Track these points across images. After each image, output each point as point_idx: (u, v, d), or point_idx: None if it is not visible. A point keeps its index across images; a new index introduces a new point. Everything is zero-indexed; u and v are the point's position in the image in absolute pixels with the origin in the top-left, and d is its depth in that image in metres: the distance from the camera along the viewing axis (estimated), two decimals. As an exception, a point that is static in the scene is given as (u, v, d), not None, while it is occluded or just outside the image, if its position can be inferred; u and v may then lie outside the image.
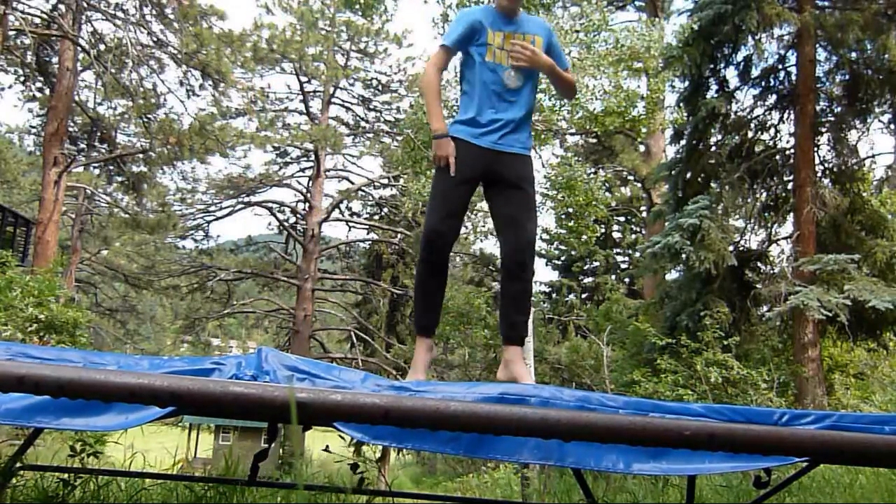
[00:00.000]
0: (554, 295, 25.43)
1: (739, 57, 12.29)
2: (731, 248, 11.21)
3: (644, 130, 11.09)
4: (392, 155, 18.43)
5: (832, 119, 12.14)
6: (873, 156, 12.77)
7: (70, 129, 19.39)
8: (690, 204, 10.91)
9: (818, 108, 11.97)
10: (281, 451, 17.67)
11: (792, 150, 11.99)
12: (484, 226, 17.78)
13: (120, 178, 22.15)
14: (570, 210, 11.16)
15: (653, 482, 4.48)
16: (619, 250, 25.71)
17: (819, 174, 11.86)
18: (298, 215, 23.32)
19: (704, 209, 10.57)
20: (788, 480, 2.34)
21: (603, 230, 22.75)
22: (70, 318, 9.01)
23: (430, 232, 2.92)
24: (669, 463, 1.44)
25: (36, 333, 8.44)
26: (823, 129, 12.05)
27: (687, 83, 12.23)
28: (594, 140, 19.46)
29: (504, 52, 2.99)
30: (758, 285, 11.46)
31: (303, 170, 23.66)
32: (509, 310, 2.95)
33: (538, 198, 11.17)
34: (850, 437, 1.15)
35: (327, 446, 3.00)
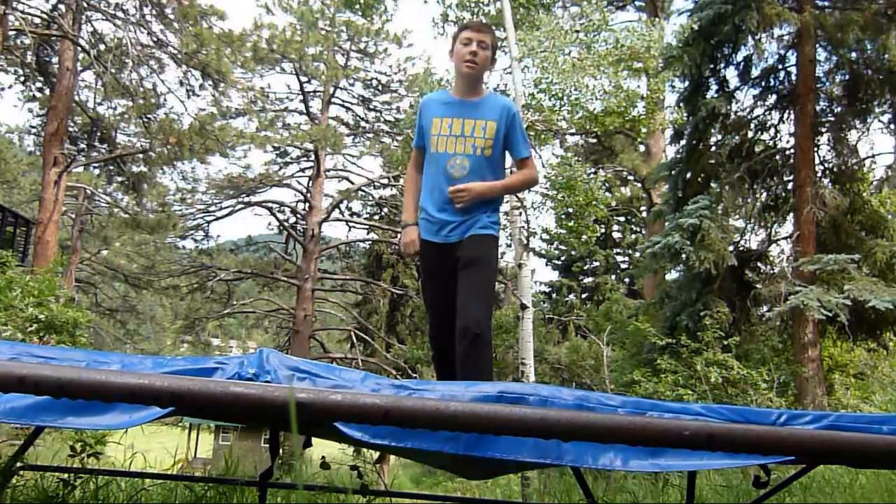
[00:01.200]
0: (554, 295, 25.44)
1: (739, 57, 12.30)
2: (731, 248, 11.21)
3: (644, 130, 11.09)
4: (392, 155, 18.42)
5: (832, 119, 12.15)
6: (873, 156, 12.77)
7: (70, 129, 19.39)
8: (690, 204, 10.91)
9: (818, 108, 11.97)
10: (281, 451, 17.67)
11: (792, 150, 11.99)
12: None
13: (120, 178, 22.15)
14: (570, 210, 11.15)
15: (653, 482, 4.48)
16: (619, 250, 25.71)
17: (819, 174, 11.87)
18: (298, 215, 23.32)
19: (704, 209, 10.57)
20: (788, 480, 2.34)
21: (603, 230, 22.75)
22: (70, 318, 9.01)
23: (431, 341, 3.06)
24: (667, 460, 1.44)
25: (36, 333, 8.44)
26: (823, 129, 12.05)
27: (687, 83, 12.23)
28: (594, 140, 19.46)
29: (446, 139, 2.90)
30: (758, 285, 11.46)
31: (303, 170, 23.67)
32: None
33: (537, 198, 11.22)
34: (849, 437, 1.16)
35: (323, 458, 3.00)
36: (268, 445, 2.50)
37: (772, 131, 12.78)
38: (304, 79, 21.75)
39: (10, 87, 18.79)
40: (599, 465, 1.40)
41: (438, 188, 2.92)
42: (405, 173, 3.59)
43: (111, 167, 21.85)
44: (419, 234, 3.01)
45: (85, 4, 15.64)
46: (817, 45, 11.87)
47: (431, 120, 2.97)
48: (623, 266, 25.66)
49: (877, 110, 12.03)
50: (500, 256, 3.01)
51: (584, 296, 25.01)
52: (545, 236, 21.60)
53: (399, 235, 3.03)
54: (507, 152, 3.02)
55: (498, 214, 3.01)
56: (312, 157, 22.46)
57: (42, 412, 1.39)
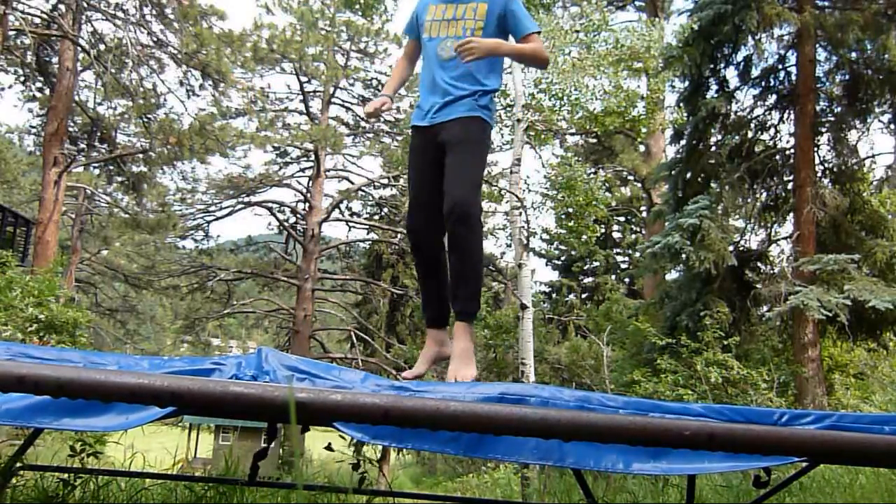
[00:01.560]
0: (554, 295, 25.44)
1: (739, 57, 12.30)
2: (731, 248, 11.21)
3: (644, 130, 11.10)
4: (392, 155, 18.43)
5: (832, 119, 12.15)
6: (873, 156, 12.77)
7: (70, 129, 19.39)
8: (690, 204, 10.91)
9: (818, 108, 11.97)
10: (281, 451, 17.67)
11: (792, 150, 11.99)
12: (484, 226, 17.78)
13: (120, 178, 22.15)
14: (570, 210, 11.16)
15: (653, 482, 4.48)
16: (619, 250, 25.71)
17: (819, 174, 11.87)
18: (298, 215, 23.31)
19: (704, 209, 10.57)
20: (788, 480, 2.34)
21: (603, 230, 22.76)
22: (70, 318, 9.01)
23: (408, 234, 2.92)
24: (669, 462, 1.44)
25: (36, 333, 8.44)
26: (823, 129, 12.05)
27: (687, 83, 12.23)
28: (594, 140, 19.46)
29: (439, 23, 2.86)
30: (758, 285, 11.46)
31: (303, 170, 23.66)
32: (451, 282, 2.76)
33: (537, 198, 11.22)
34: (850, 437, 1.15)
35: (329, 444, 2.99)
36: (267, 445, 2.50)
37: (772, 131, 12.78)
38: (304, 79, 21.75)
39: (10, 87, 18.80)
40: (601, 468, 1.40)
41: (429, 73, 2.86)
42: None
43: (111, 167, 21.85)
44: (387, 107, 2.97)
45: (85, 4, 15.63)
46: (817, 45, 11.87)
47: (427, 7, 2.93)
48: (623, 266, 25.66)
49: (877, 110, 12.03)
50: (490, 141, 2.98)
51: (584, 296, 25.01)
52: (545, 236, 21.64)
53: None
54: (504, 36, 2.88)
55: (489, 99, 2.88)
56: (312, 157, 22.46)
57: (39, 413, 1.38)
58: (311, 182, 22.57)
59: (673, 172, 12.60)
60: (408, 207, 2.95)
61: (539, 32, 2.97)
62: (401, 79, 3.16)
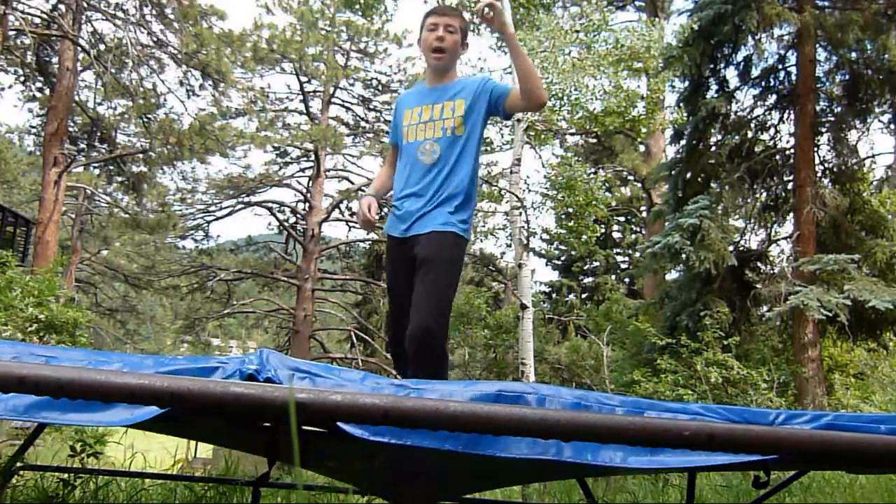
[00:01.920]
0: (554, 295, 25.44)
1: (739, 57, 12.31)
2: (731, 248, 11.21)
3: (644, 130, 11.08)
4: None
5: (832, 119, 12.15)
6: (873, 156, 12.78)
7: (70, 129, 19.40)
8: (690, 204, 10.91)
9: (818, 108, 11.97)
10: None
11: (792, 150, 12.00)
12: (484, 226, 17.78)
13: (120, 178, 22.16)
14: (570, 210, 11.16)
15: (653, 482, 4.48)
16: (619, 250, 25.71)
17: (819, 174, 11.87)
18: (298, 215, 23.32)
19: (704, 209, 10.57)
20: (788, 480, 2.34)
21: (603, 230, 22.75)
22: (70, 318, 9.01)
23: (388, 342, 2.93)
24: (667, 456, 1.45)
25: (36, 333, 8.44)
26: (823, 129, 12.06)
27: (687, 83, 12.23)
28: (594, 140, 19.46)
29: (416, 126, 2.76)
30: (758, 285, 11.47)
31: (303, 170, 23.66)
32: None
33: (537, 198, 11.22)
34: (847, 437, 1.16)
35: None
36: (268, 471, 2.49)
37: (772, 131, 12.79)
38: (304, 79, 21.75)
39: (10, 87, 18.80)
40: (599, 462, 1.41)
41: (404, 178, 2.77)
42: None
43: (111, 167, 21.86)
44: (374, 209, 2.85)
45: (85, 4, 15.64)
46: (817, 45, 11.87)
47: (403, 112, 2.86)
48: (623, 266, 25.66)
49: (877, 110, 12.04)
50: (462, 257, 2.83)
51: (584, 296, 25.00)
52: (545, 236, 21.65)
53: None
54: (482, 131, 2.80)
55: (467, 213, 2.76)
56: (312, 157, 22.46)
57: (44, 408, 1.39)
58: (311, 182, 22.57)
59: (673, 172, 12.61)
60: (388, 316, 2.90)
61: None
62: (385, 187, 3.03)
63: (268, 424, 1.59)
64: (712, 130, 12.42)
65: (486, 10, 2.58)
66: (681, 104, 12.21)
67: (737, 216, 12.44)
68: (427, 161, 2.71)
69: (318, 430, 1.52)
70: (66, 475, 2.89)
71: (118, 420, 1.41)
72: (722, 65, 12.35)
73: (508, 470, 1.96)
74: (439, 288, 2.62)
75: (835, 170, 12.13)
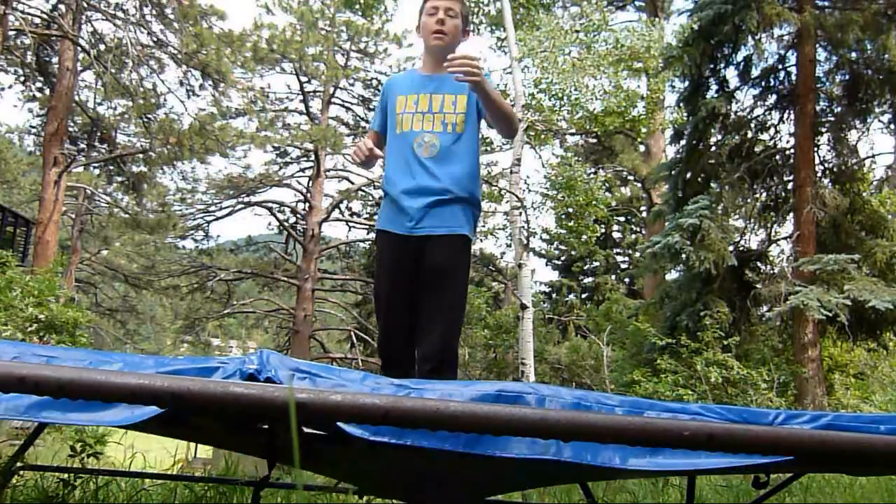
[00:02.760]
0: (554, 295, 25.44)
1: (739, 57, 12.31)
2: (731, 248, 11.22)
3: (644, 130, 11.09)
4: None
5: (832, 119, 12.15)
6: (873, 156, 12.79)
7: (70, 129, 19.40)
8: (690, 204, 10.92)
9: (818, 108, 11.98)
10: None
11: (792, 150, 12.00)
12: (484, 226, 17.77)
13: (120, 178, 22.16)
14: (570, 210, 11.17)
15: (653, 482, 4.48)
16: (619, 250, 25.71)
17: (819, 174, 11.87)
18: (298, 215, 23.32)
19: (704, 209, 10.57)
20: (788, 480, 2.34)
21: (603, 230, 22.75)
22: (70, 318, 9.01)
23: (380, 350, 2.67)
24: (667, 458, 1.45)
25: (36, 333, 8.44)
26: (823, 129, 12.06)
27: (687, 83, 12.24)
28: (594, 140, 19.46)
29: (413, 116, 2.60)
30: (758, 285, 11.47)
31: (303, 170, 23.67)
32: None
33: (537, 198, 11.22)
34: (847, 437, 1.16)
35: None
36: (268, 474, 2.49)
37: (772, 131, 12.79)
38: (304, 79, 21.75)
39: (10, 87, 18.80)
40: (598, 463, 1.41)
41: (405, 170, 2.58)
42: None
43: (111, 167, 21.86)
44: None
45: (85, 4, 15.64)
46: (817, 45, 11.87)
47: (396, 98, 2.66)
48: (623, 266, 25.66)
49: (877, 110, 12.04)
50: (468, 260, 2.62)
51: (584, 296, 25.00)
52: (545, 236, 21.66)
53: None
54: (480, 129, 2.68)
55: (477, 213, 2.64)
56: (312, 157, 22.47)
57: (45, 408, 1.39)
58: (311, 182, 22.57)
59: (673, 172, 12.61)
60: (379, 321, 2.65)
61: None
62: (379, 147, 2.78)
63: (266, 427, 1.59)
64: (712, 130, 12.42)
65: (462, 72, 2.35)
66: (681, 104, 12.21)
67: (737, 216, 12.44)
68: (426, 154, 2.55)
69: (319, 433, 1.52)
70: (66, 475, 2.89)
71: (119, 419, 1.41)
72: (722, 65, 12.35)
73: (519, 474, 1.96)
74: (453, 305, 2.48)
75: (835, 170, 12.13)
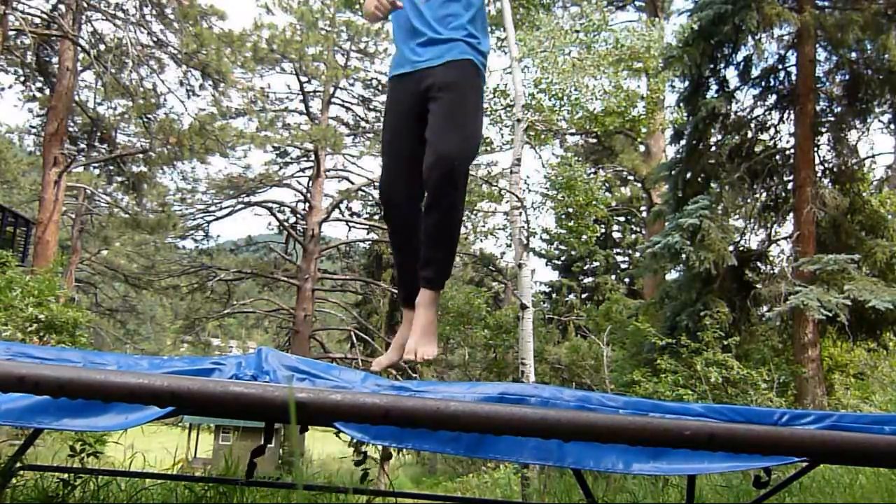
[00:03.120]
0: (554, 295, 25.44)
1: (739, 57, 12.30)
2: (731, 248, 11.21)
3: (644, 130, 11.10)
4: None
5: (832, 119, 12.15)
6: (873, 156, 12.78)
7: (70, 129, 19.39)
8: (690, 204, 10.91)
9: (818, 108, 11.97)
10: (281, 451, 17.68)
11: (792, 150, 11.99)
12: (484, 226, 17.79)
13: (120, 178, 22.15)
14: (570, 210, 11.17)
15: (653, 482, 4.48)
16: (619, 250, 25.72)
17: (819, 174, 11.87)
18: (298, 215, 23.33)
19: (704, 209, 10.57)
20: (788, 480, 2.34)
21: (603, 230, 22.76)
22: (70, 318, 9.01)
23: (381, 195, 2.53)
24: (669, 463, 1.44)
25: (36, 333, 8.44)
26: (823, 129, 12.05)
27: (687, 83, 12.23)
28: (594, 140, 19.46)
29: None
30: (758, 285, 11.46)
31: (303, 170, 23.68)
32: (423, 245, 2.33)
33: (537, 198, 11.22)
34: (850, 437, 1.15)
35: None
36: (268, 446, 2.49)
37: (772, 131, 12.78)
38: (304, 79, 21.76)
39: (10, 87, 18.79)
40: (601, 468, 1.40)
41: (406, 20, 2.42)
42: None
43: (111, 167, 21.86)
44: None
45: (85, 4, 15.64)
46: (817, 45, 11.86)
47: None
48: (623, 266, 25.67)
49: (877, 110, 12.03)
50: (483, 91, 2.43)
51: (584, 296, 25.01)
52: (545, 236, 21.63)
53: None
54: None
55: (484, 57, 2.43)
56: (312, 157, 22.47)
57: (38, 414, 1.39)
58: (311, 182, 22.58)
59: (673, 172, 12.60)
60: (381, 168, 2.54)
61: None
62: None
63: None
64: (712, 130, 12.41)
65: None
66: (681, 104, 12.21)
67: (737, 216, 12.43)
68: None
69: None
70: (66, 475, 2.89)
71: (113, 425, 1.41)
72: (722, 65, 12.34)
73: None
74: (465, 110, 2.28)
75: (835, 170, 12.13)
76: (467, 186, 2.37)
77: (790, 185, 12.16)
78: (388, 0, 2.36)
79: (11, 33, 15.14)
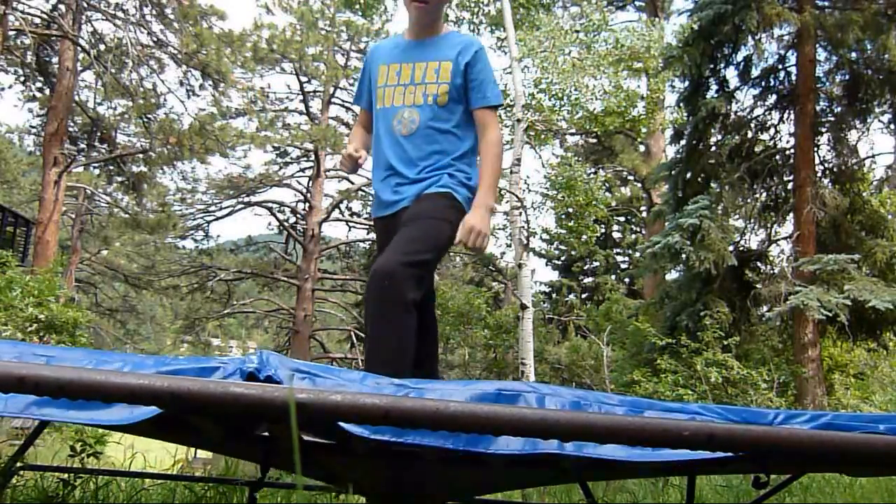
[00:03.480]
0: (554, 295, 25.44)
1: (739, 57, 12.31)
2: (731, 248, 11.22)
3: (644, 130, 11.09)
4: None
5: (832, 119, 12.15)
6: (873, 156, 12.80)
7: (70, 129, 19.39)
8: (690, 204, 10.92)
9: (818, 108, 11.98)
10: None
11: (792, 150, 12.00)
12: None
13: (120, 178, 22.16)
14: (570, 210, 11.16)
15: (653, 482, 4.48)
16: (619, 250, 25.71)
17: (819, 174, 11.87)
18: (298, 215, 23.33)
19: (704, 209, 10.57)
20: (788, 480, 2.34)
21: (603, 230, 22.75)
22: (70, 318, 9.01)
23: None
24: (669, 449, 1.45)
25: (36, 333, 8.45)
26: (823, 129, 12.06)
27: (687, 83, 12.23)
28: (594, 140, 19.46)
29: (394, 90, 2.36)
30: (758, 285, 11.47)
31: (303, 170, 23.68)
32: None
33: (537, 198, 11.21)
34: (848, 437, 1.16)
35: None
36: (262, 476, 2.49)
37: (772, 131, 12.79)
38: (304, 79, 21.76)
39: (10, 87, 18.81)
40: (599, 455, 1.41)
41: (386, 151, 2.35)
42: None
43: (111, 167, 21.86)
44: (361, 151, 2.45)
45: (85, 4, 15.64)
46: (817, 45, 11.87)
47: (378, 69, 2.43)
48: (623, 266, 25.66)
49: (877, 110, 12.04)
50: (456, 216, 2.29)
51: (584, 296, 25.00)
52: (545, 236, 21.62)
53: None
54: (463, 93, 2.34)
55: (466, 164, 2.35)
56: (312, 157, 22.47)
57: (45, 406, 1.40)
58: (311, 182, 22.58)
59: (673, 172, 12.60)
60: None
61: (498, 107, 2.40)
62: (365, 143, 2.58)
63: (265, 434, 1.59)
64: (712, 130, 12.42)
65: (478, 246, 2.26)
66: (681, 104, 12.21)
67: (737, 216, 12.44)
68: (405, 132, 2.30)
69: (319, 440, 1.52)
70: (66, 475, 2.89)
71: (118, 418, 1.41)
72: (722, 65, 12.35)
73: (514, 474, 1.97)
74: (416, 234, 2.18)
75: (835, 170, 12.13)
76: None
77: (790, 185, 12.16)
78: (348, 161, 2.35)
79: (11, 33, 15.15)
